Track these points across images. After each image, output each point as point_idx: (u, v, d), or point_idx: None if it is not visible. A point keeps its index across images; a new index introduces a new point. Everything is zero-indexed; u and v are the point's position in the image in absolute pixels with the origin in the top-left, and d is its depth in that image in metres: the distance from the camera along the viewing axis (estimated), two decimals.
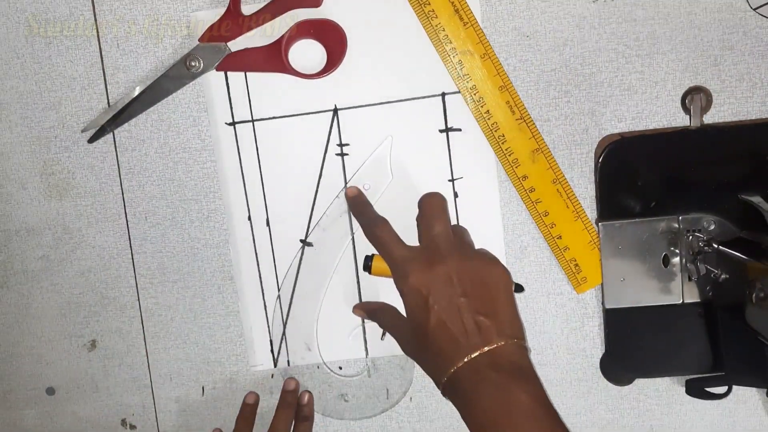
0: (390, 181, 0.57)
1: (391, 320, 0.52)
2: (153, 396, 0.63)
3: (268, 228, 0.59)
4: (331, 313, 0.59)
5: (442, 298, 0.46)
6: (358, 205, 0.55)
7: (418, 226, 0.51)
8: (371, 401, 0.61)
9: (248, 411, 0.59)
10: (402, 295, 0.48)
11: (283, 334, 0.60)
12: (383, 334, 0.59)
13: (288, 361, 0.60)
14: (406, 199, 0.57)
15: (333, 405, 0.61)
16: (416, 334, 0.47)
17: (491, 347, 0.44)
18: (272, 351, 0.60)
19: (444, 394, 0.46)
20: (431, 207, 0.51)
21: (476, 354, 0.44)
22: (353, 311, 0.57)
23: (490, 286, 0.47)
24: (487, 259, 0.49)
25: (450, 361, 0.44)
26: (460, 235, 0.51)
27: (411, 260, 0.48)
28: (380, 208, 0.56)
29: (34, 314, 0.62)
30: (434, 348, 0.45)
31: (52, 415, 0.64)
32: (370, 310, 0.55)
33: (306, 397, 0.60)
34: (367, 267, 0.53)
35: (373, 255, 0.53)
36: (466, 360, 0.44)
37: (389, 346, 0.59)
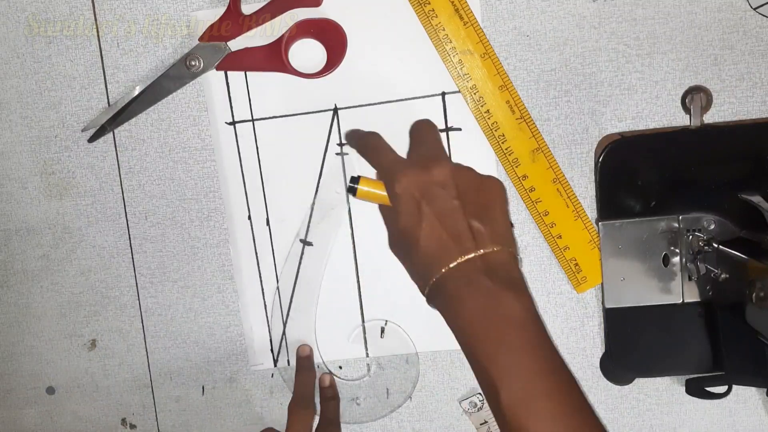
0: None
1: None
2: (153, 395, 0.63)
3: (268, 227, 0.59)
4: (332, 313, 0.59)
5: (435, 199, 0.43)
6: (352, 133, 0.53)
7: (409, 148, 0.49)
8: (383, 401, 0.61)
9: (307, 362, 0.58)
10: (392, 198, 0.45)
11: (283, 333, 0.60)
12: (382, 332, 0.59)
13: (288, 361, 0.60)
14: None
15: (346, 409, 0.61)
16: (406, 236, 0.44)
17: (485, 251, 0.42)
18: (272, 350, 0.60)
19: (429, 301, 0.44)
20: (422, 125, 0.50)
21: (469, 256, 0.42)
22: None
23: (486, 193, 0.45)
24: (481, 175, 0.47)
25: (440, 262, 0.42)
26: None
27: (403, 163, 0.46)
28: (375, 209, 0.56)
29: (34, 314, 0.62)
30: (424, 250, 0.43)
31: (52, 414, 0.64)
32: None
33: (328, 380, 0.59)
34: (353, 189, 0.48)
35: (359, 176, 0.48)
36: (457, 261, 0.42)
37: (390, 346, 0.59)
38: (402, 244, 0.46)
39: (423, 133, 0.50)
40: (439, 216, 0.43)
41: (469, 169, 0.47)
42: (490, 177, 0.47)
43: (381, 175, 0.47)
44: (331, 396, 0.60)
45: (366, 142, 0.50)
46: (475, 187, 0.45)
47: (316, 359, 0.60)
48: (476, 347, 0.41)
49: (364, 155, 0.49)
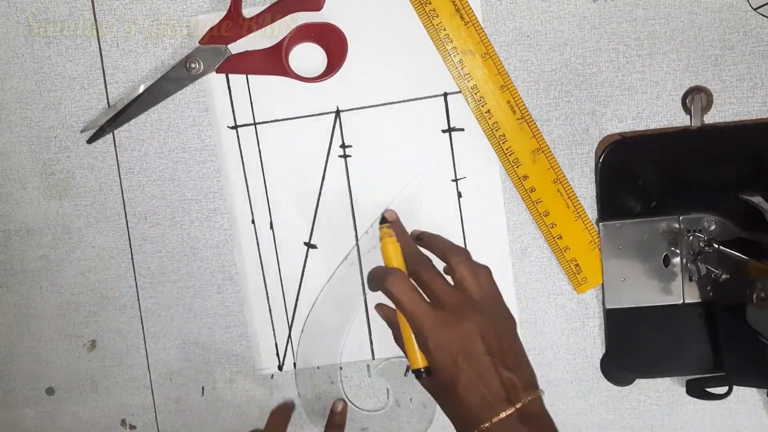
0: (419, 219, 0.57)
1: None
2: (153, 396, 0.63)
3: (271, 231, 0.59)
4: (334, 315, 0.59)
5: (470, 356, 0.46)
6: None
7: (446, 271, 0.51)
8: None
9: (339, 419, 0.59)
10: (427, 352, 0.47)
11: (288, 337, 0.60)
12: (407, 370, 0.59)
13: (294, 365, 0.60)
14: (410, 202, 0.57)
15: None
16: (445, 389, 0.47)
17: (521, 404, 0.45)
18: (278, 355, 0.60)
19: None
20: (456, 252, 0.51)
21: (508, 413, 0.45)
22: (376, 309, 0.56)
23: (509, 336, 0.48)
24: (499, 306, 0.50)
25: (480, 418, 0.45)
26: (476, 280, 0.50)
27: (434, 317, 0.47)
28: (378, 212, 0.56)
29: (34, 314, 0.62)
30: (465, 405, 0.46)
31: (52, 415, 0.64)
32: (391, 320, 0.54)
33: (340, 406, 0.60)
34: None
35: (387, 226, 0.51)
36: (496, 420, 0.45)
37: (412, 389, 0.60)
38: (440, 392, 0.49)
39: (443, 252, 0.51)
40: (476, 371, 0.46)
41: (491, 309, 0.49)
42: (504, 310, 0.50)
43: (410, 325, 0.48)
44: (338, 424, 0.59)
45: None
46: (501, 333, 0.48)
47: (319, 361, 0.60)
48: None
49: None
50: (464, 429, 0.47)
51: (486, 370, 0.46)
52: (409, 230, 0.55)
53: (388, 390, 0.60)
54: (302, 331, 0.59)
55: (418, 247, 0.53)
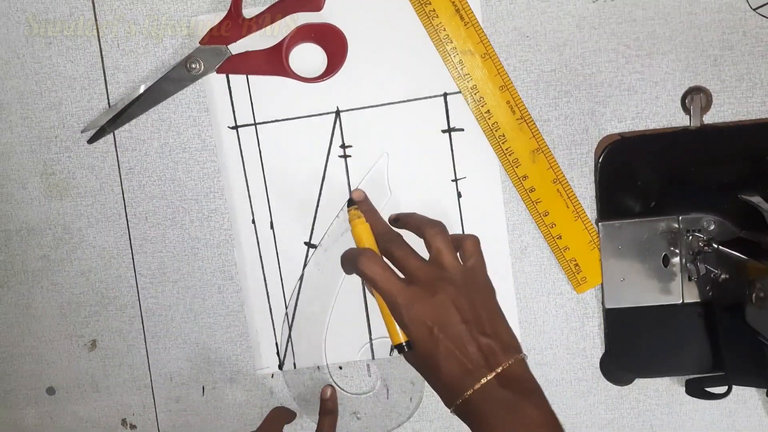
0: (389, 198, 0.57)
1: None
2: (153, 396, 0.63)
3: (272, 231, 0.59)
4: (336, 316, 0.59)
5: (446, 326, 0.47)
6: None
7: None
8: (383, 418, 0.60)
9: (330, 405, 0.60)
10: (404, 327, 0.48)
11: (289, 337, 0.60)
12: (391, 349, 0.59)
13: (294, 364, 0.60)
14: (410, 202, 0.57)
15: (345, 423, 0.61)
16: (425, 362, 0.48)
17: (501, 368, 0.46)
18: (278, 354, 0.60)
19: (454, 412, 0.47)
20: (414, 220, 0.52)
21: (489, 377, 0.45)
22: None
23: (486, 304, 0.49)
24: (475, 273, 0.50)
25: (461, 386, 0.46)
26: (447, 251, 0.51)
27: (407, 291, 0.48)
28: (381, 212, 0.56)
29: (35, 314, 0.62)
30: (445, 374, 0.46)
31: (52, 414, 0.64)
32: (357, 264, 0.50)
33: (329, 392, 0.60)
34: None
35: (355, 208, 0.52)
36: (478, 386, 0.45)
37: (398, 368, 0.59)
38: (421, 364, 0.49)
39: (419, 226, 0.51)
40: (453, 340, 0.46)
41: (466, 278, 0.49)
42: (481, 277, 0.50)
43: (386, 303, 0.49)
44: (329, 409, 0.59)
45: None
46: (476, 301, 0.48)
47: (321, 362, 0.60)
48: None
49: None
50: (449, 399, 0.47)
51: (463, 338, 0.46)
52: (381, 205, 0.56)
53: (368, 366, 0.60)
54: (290, 327, 0.59)
55: (391, 226, 0.53)
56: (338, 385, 0.60)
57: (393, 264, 0.49)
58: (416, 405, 0.60)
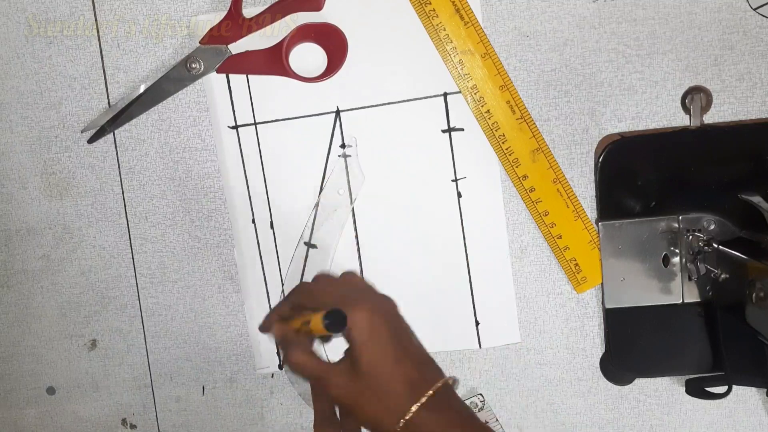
0: (363, 181, 0.57)
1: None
2: (153, 396, 0.63)
3: (272, 231, 0.59)
4: None
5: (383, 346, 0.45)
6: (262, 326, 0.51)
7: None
8: None
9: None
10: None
11: None
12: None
13: None
14: (410, 202, 0.57)
15: None
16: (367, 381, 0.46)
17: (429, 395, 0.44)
18: (278, 354, 0.60)
19: None
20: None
21: (413, 411, 0.43)
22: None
23: (402, 330, 0.47)
24: (380, 311, 0.47)
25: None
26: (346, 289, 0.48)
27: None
28: (381, 212, 0.56)
29: (35, 314, 0.62)
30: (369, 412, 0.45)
31: (52, 414, 0.64)
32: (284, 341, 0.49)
33: None
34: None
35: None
36: (411, 414, 0.43)
37: None
38: (362, 386, 0.46)
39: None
40: (405, 354, 0.45)
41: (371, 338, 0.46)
42: (385, 306, 0.47)
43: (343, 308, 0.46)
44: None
45: (309, 290, 0.49)
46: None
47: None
48: None
49: (310, 301, 0.48)
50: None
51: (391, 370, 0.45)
52: (357, 190, 0.56)
53: None
54: None
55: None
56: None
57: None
58: None
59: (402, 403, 0.44)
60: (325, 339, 0.51)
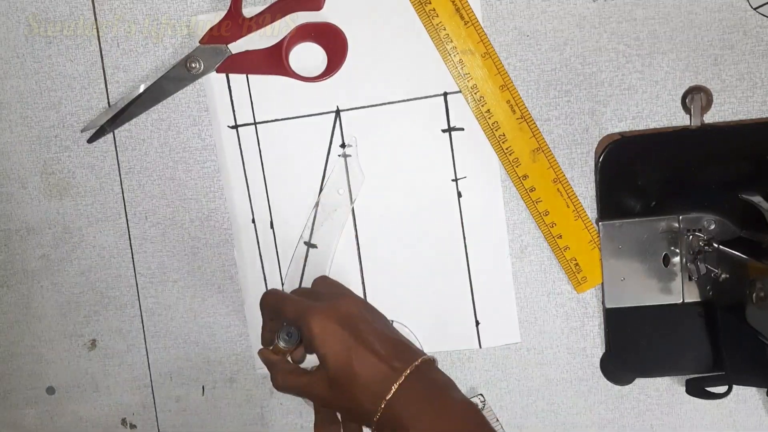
0: (363, 181, 0.57)
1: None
2: (153, 395, 0.63)
3: (272, 230, 0.59)
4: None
5: (358, 332, 0.48)
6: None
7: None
8: None
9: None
10: (312, 341, 0.48)
11: None
12: None
13: None
14: (410, 202, 0.57)
15: None
16: (340, 377, 0.48)
17: (418, 361, 0.47)
18: None
19: (376, 428, 0.47)
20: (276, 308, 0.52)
21: (401, 380, 0.46)
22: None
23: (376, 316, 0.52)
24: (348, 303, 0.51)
25: (382, 389, 0.46)
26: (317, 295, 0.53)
27: (313, 306, 0.50)
28: (381, 212, 0.56)
29: (35, 314, 0.62)
30: (362, 383, 0.47)
31: (52, 414, 0.64)
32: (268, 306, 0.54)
33: None
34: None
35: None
36: (397, 384, 0.46)
37: None
38: (335, 384, 0.48)
39: (283, 310, 0.52)
40: (366, 344, 0.48)
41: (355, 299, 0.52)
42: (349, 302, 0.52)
43: (296, 322, 0.50)
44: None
45: (271, 305, 0.52)
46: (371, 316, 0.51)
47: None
48: None
49: (276, 317, 0.53)
50: (369, 409, 0.47)
51: (375, 342, 0.48)
52: (357, 190, 0.57)
53: None
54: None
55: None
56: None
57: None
58: None
59: (380, 390, 0.46)
60: (308, 350, 0.54)
